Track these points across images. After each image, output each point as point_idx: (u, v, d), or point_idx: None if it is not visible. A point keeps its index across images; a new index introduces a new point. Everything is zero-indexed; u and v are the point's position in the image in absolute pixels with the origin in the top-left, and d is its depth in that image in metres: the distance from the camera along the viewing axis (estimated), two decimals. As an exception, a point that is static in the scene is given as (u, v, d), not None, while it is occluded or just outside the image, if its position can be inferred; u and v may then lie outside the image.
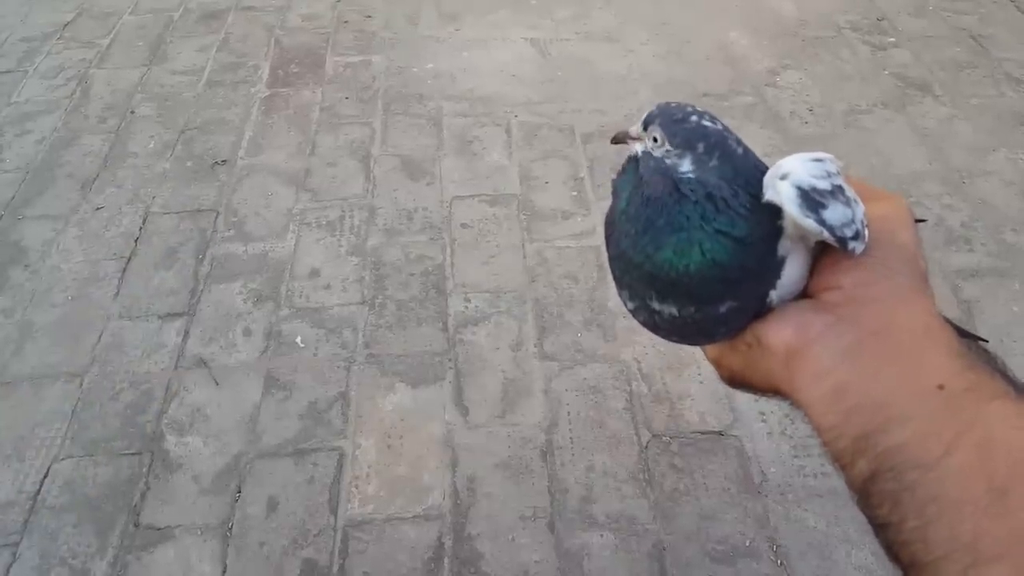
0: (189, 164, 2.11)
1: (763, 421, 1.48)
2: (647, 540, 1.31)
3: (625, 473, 1.40)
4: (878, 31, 2.64)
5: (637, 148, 0.47)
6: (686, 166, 0.44)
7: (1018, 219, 1.93)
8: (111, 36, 2.63)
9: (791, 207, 0.41)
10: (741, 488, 1.38)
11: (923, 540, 0.36)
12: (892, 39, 2.60)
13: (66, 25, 2.68)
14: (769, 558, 1.29)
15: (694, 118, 0.45)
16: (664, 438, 1.46)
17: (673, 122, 0.45)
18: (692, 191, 0.43)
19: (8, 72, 2.46)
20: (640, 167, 0.46)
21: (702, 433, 1.46)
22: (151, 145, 2.17)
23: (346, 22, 2.69)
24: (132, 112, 2.30)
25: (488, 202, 1.96)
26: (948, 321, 0.53)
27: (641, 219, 0.45)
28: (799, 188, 0.41)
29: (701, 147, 0.44)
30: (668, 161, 0.45)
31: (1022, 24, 2.68)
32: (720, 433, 1.46)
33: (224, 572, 1.28)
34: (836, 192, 0.42)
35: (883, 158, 2.11)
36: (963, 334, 0.56)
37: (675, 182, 0.44)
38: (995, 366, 0.41)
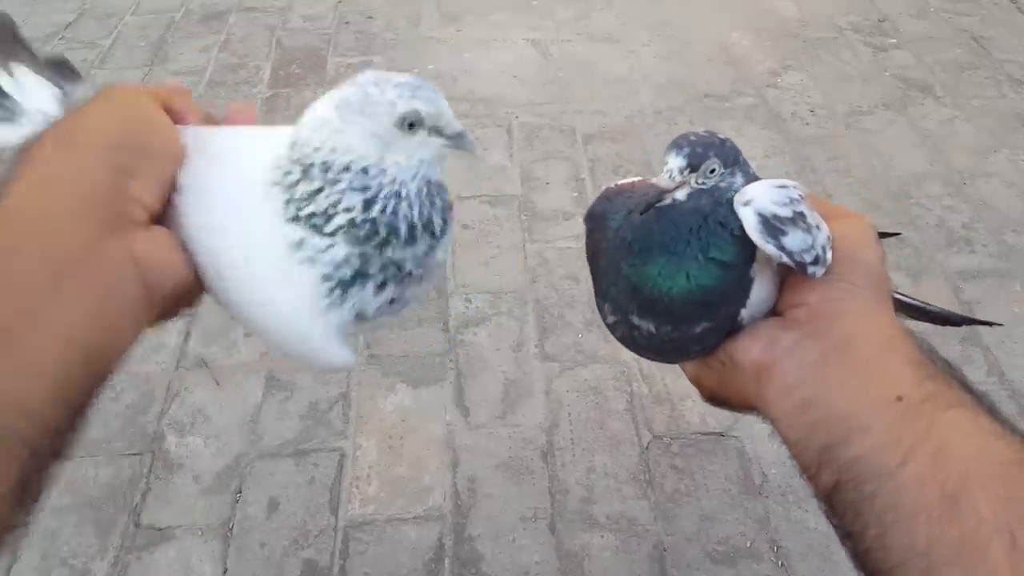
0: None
1: (764, 422, 1.47)
2: (648, 541, 1.31)
3: (626, 474, 1.40)
4: (879, 32, 2.64)
5: (677, 195, 0.44)
6: (739, 180, 0.45)
7: (1019, 220, 1.93)
8: (112, 37, 2.64)
9: (752, 233, 0.43)
10: (742, 489, 1.38)
11: (883, 548, 0.37)
12: (893, 40, 2.60)
13: (68, 25, 2.69)
14: (770, 559, 1.29)
15: (719, 138, 0.45)
16: (665, 439, 1.46)
17: (718, 147, 0.44)
18: (715, 220, 0.44)
19: (10, 72, 2.46)
20: (690, 205, 0.44)
21: (703, 434, 1.46)
22: (152, 145, 2.17)
23: (347, 23, 2.69)
24: (133, 113, 2.30)
25: (489, 203, 1.96)
26: (936, 313, 0.54)
27: (640, 236, 0.45)
28: (760, 215, 0.43)
29: (742, 158, 0.45)
30: (723, 184, 0.45)
31: (1023, 25, 2.68)
32: (721, 434, 1.46)
33: (225, 572, 1.28)
34: (797, 219, 0.43)
35: (884, 159, 2.11)
36: (965, 321, 0.57)
37: (716, 204, 0.44)
38: (954, 375, 0.42)
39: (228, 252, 0.41)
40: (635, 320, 0.48)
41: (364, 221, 0.41)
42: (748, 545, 1.31)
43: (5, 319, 0.31)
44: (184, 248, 0.40)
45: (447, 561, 1.29)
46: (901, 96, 2.34)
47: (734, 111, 2.28)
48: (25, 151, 0.37)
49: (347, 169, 0.41)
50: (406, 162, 0.41)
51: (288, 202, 0.41)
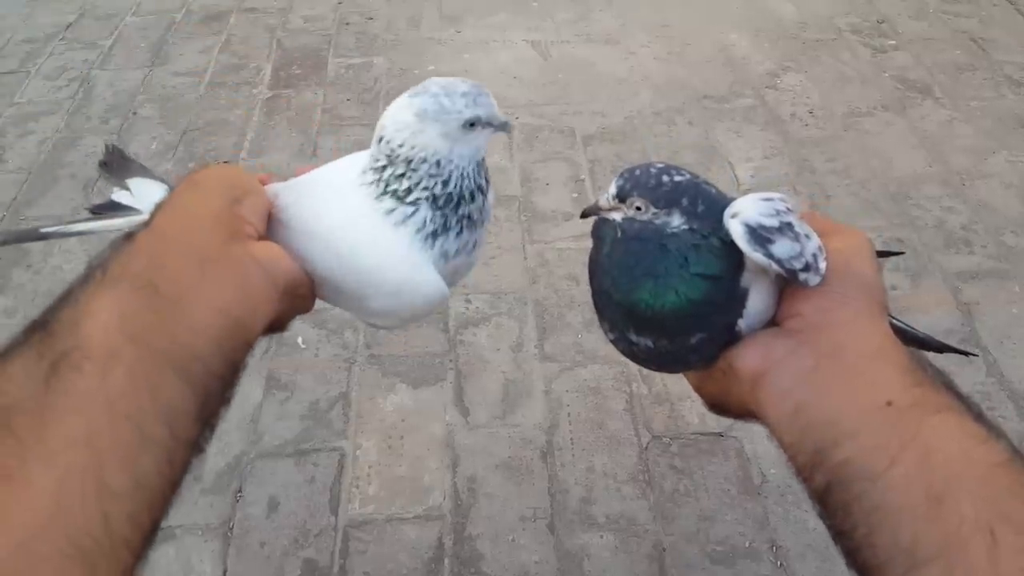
0: (191, 165, 2.11)
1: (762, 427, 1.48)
2: (647, 541, 1.32)
3: (625, 474, 1.41)
4: (878, 34, 2.64)
5: (615, 216, 0.50)
6: (676, 221, 0.47)
7: (1018, 221, 1.93)
8: (113, 37, 2.64)
9: (741, 242, 0.45)
10: (741, 489, 1.38)
11: (870, 546, 0.39)
12: (892, 42, 2.60)
13: (68, 26, 2.69)
14: (769, 559, 1.29)
15: (666, 177, 0.48)
16: (664, 439, 1.46)
17: (650, 189, 0.48)
18: (676, 247, 0.47)
19: (11, 73, 2.47)
20: (621, 230, 0.49)
21: (702, 434, 1.47)
22: (153, 146, 2.18)
23: (348, 24, 2.70)
24: (134, 113, 2.30)
25: (489, 203, 1.96)
26: (920, 337, 0.56)
27: (623, 265, 0.49)
28: (747, 225, 0.45)
29: (686, 201, 0.47)
30: (657, 221, 0.48)
31: (1022, 27, 2.69)
32: (720, 434, 1.46)
33: (225, 572, 1.28)
34: (784, 228, 0.45)
35: (883, 160, 2.12)
36: (945, 348, 0.59)
37: (661, 238, 0.47)
38: (943, 381, 0.44)
39: (333, 234, 0.53)
40: (633, 337, 0.51)
41: (442, 195, 0.54)
42: (747, 545, 1.31)
43: (175, 293, 0.42)
44: (291, 255, 0.52)
45: (447, 561, 1.29)
46: (900, 97, 2.35)
47: (733, 112, 2.29)
48: (160, 202, 0.49)
49: (425, 161, 0.53)
50: (468, 151, 0.54)
51: (378, 182, 0.54)
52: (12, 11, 2.75)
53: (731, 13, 2.74)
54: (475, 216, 0.56)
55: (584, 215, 0.53)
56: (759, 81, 2.42)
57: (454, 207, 0.54)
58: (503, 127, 0.56)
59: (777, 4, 2.79)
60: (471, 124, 0.53)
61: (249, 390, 1.53)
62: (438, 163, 0.53)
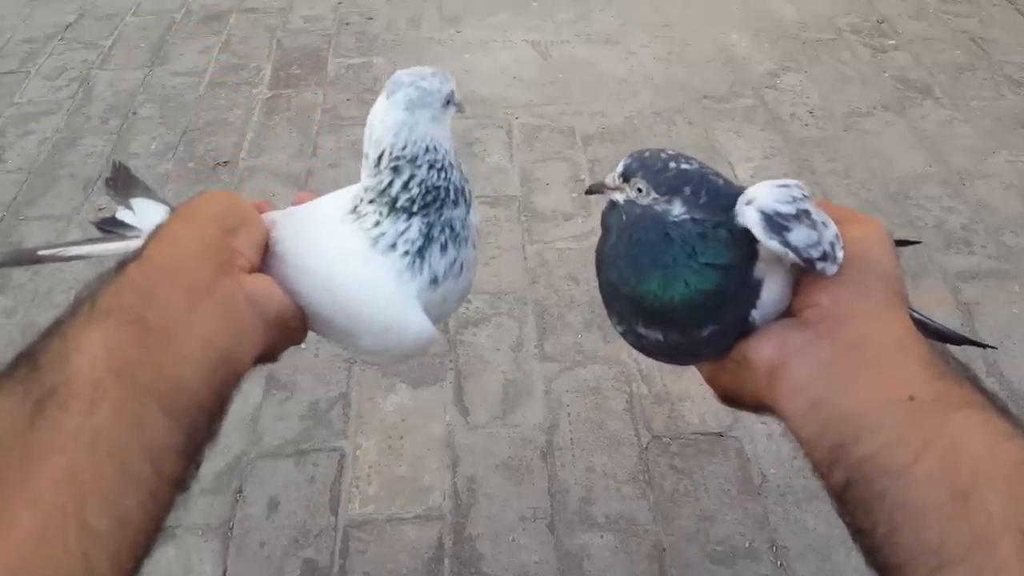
0: (191, 165, 2.11)
1: (763, 423, 1.48)
2: (647, 541, 1.31)
3: (625, 474, 1.41)
4: (878, 34, 2.64)
5: (618, 197, 0.49)
6: (677, 209, 0.46)
7: (1018, 221, 1.93)
8: (113, 37, 2.64)
9: (756, 230, 0.43)
10: (741, 489, 1.38)
11: (892, 545, 0.37)
12: (892, 42, 2.60)
13: (68, 26, 2.69)
14: (769, 559, 1.29)
15: (672, 164, 0.47)
16: (664, 439, 1.46)
17: (655, 173, 0.46)
18: (680, 236, 0.45)
19: (11, 73, 2.47)
20: (624, 214, 0.48)
21: (702, 434, 1.47)
22: (153, 146, 2.18)
23: (348, 24, 2.70)
24: (134, 113, 2.30)
25: (489, 203, 1.96)
26: (939, 329, 0.55)
27: (629, 256, 0.47)
28: (763, 212, 0.43)
29: (688, 190, 0.46)
30: (658, 208, 0.46)
31: (1022, 27, 2.69)
32: (720, 434, 1.46)
33: (225, 572, 1.28)
34: (801, 216, 0.43)
35: (883, 160, 2.12)
36: (964, 341, 0.58)
37: (664, 226, 0.46)
38: (966, 375, 0.42)
39: (324, 271, 0.53)
40: (642, 330, 0.49)
41: (433, 188, 0.53)
42: (747, 545, 1.31)
43: (163, 326, 0.42)
44: (283, 288, 0.51)
45: (447, 561, 1.29)
46: (900, 97, 2.35)
47: (733, 112, 2.29)
48: (154, 230, 0.49)
49: (427, 150, 0.52)
50: (446, 132, 0.54)
51: (380, 206, 0.53)
52: (12, 11, 2.75)
53: (731, 13, 2.74)
54: (457, 227, 0.55)
55: (589, 191, 0.52)
56: (759, 81, 2.42)
57: (439, 208, 0.53)
58: (461, 106, 0.57)
59: (777, 4, 2.79)
60: (447, 101, 0.53)
61: (249, 390, 1.53)
62: (435, 148, 0.53)
